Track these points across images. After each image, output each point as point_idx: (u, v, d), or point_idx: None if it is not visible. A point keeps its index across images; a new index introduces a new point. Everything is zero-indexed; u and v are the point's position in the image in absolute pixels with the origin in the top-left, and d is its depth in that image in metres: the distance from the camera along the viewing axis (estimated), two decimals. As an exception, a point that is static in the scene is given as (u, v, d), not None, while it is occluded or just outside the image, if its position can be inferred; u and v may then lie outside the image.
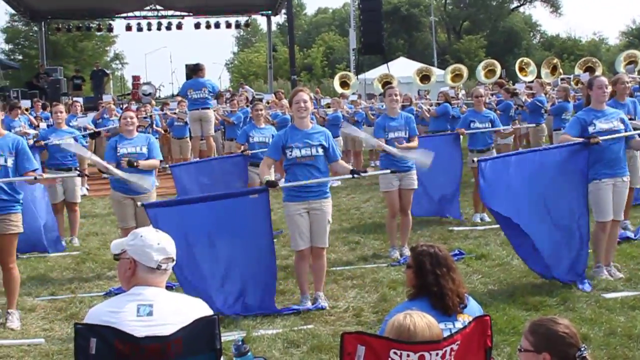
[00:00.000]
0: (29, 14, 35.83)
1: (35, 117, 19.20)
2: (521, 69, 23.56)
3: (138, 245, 3.55)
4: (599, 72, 19.80)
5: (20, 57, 50.98)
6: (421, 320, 3.38)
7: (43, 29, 36.39)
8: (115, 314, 3.34)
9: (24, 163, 7.23)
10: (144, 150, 8.99)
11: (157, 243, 3.54)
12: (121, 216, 9.15)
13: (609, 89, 8.28)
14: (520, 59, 25.45)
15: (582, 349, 3.27)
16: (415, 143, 9.59)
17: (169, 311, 3.38)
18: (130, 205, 8.98)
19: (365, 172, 7.93)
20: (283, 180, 7.89)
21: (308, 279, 7.70)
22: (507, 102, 16.40)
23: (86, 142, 15.63)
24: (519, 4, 68.82)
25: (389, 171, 8.32)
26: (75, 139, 11.09)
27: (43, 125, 17.91)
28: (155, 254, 3.52)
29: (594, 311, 6.89)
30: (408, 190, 9.52)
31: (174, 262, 3.62)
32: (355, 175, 7.64)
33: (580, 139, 7.78)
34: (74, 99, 21.95)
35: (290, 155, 7.40)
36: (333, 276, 8.50)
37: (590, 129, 7.87)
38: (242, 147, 11.23)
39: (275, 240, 10.54)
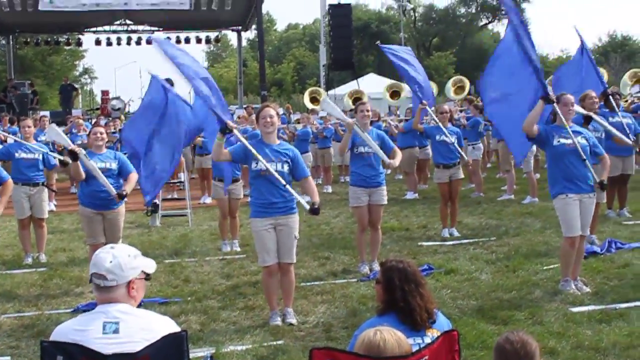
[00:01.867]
0: (-4, 28, 35.55)
1: (2, 131, 18.98)
2: (490, 86, 23.75)
3: None
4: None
5: (-13, 71, 50.55)
6: (391, 337, 3.39)
7: (11, 42, 36.12)
8: (81, 332, 3.31)
9: None
10: (113, 165, 8.92)
11: (95, 256, 3.53)
12: (90, 232, 9.06)
13: (575, 107, 8.41)
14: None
15: None
16: (399, 155, 9.64)
17: (136, 328, 3.35)
18: (99, 221, 8.91)
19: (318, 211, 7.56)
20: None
21: (278, 294, 7.69)
22: (476, 118, 16.59)
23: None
24: (487, 22, 69.52)
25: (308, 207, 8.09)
26: (44, 156, 10.93)
27: (10, 140, 17.73)
28: (91, 267, 3.52)
29: (561, 325, 6.95)
30: (377, 205, 9.54)
31: (110, 281, 3.47)
32: (313, 214, 7.47)
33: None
34: (41, 113, 21.75)
35: (255, 167, 7.38)
36: (303, 292, 8.48)
37: (554, 142, 8.00)
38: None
39: (244, 255, 10.58)
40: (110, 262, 3.46)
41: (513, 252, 10.10)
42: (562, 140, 8.00)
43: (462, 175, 11.93)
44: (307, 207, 7.30)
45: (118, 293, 3.47)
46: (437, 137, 11.72)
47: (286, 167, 7.41)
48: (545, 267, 9.12)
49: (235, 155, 7.50)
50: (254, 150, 7.28)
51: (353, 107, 18.84)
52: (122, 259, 3.48)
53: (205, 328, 7.38)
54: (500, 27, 71.12)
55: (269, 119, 7.48)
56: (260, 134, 7.83)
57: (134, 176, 8.95)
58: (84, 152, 8.72)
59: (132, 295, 3.51)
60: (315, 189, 7.69)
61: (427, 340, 3.96)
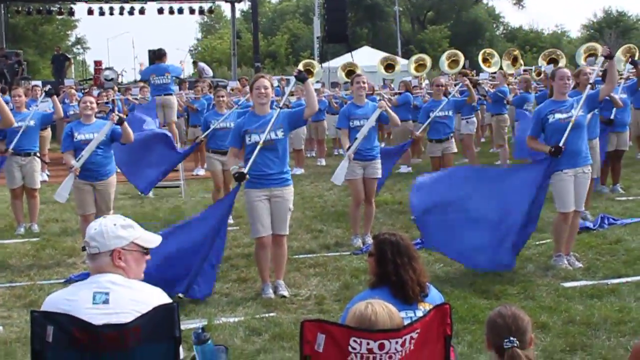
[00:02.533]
0: (-13, -4, 35.21)
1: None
2: (485, 60, 23.68)
3: None
4: (562, 64, 20.02)
5: (-21, 40, 50.15)
6: (382, 310, 3.39)
7: (2, 11, 35.75)
8: (71, 302, 3.30)
9: None
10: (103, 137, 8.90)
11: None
12: (80, 203, 9.06)
13: (571, 80, 8.38)
14: (484, 49, 25.57)
15: (509, 340, 3.29)
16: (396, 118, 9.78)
17: (126, 299, 3.33)
18: (89, 191, 8.91)
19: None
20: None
21: (270, 267, 7.69)
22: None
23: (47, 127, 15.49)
24: (483, -4, 69.24)
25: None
26: (38, 117, 10.97)
27: None
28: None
29: (553, 300, 6.99)
30: (372, 179, 9.53)
31: (92, 249, 3.49)
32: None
33: (546, 148, 7.92)
34: (34, 83, 21.60)
35: (249, 141, 7.37)
36: (295, 264, 8.50)
37: (550, 119, 7.99)
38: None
39: (237, 227, 10.57)
40: (95, 229, 3.48)
41: (506, 227, 10.09)
42: (558, 116, 7.99)
43: (454, 149, 11.95)
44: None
45: (102, 261, 3.46)
46: (431, 114, 11.72)
47: (281, 133, 7.40)
48: (537, 242, 9.13)
49: (237, 143, 7.58)
50: None
51: (347, 79, 18.84)
52: (107, 227, 3.48)
53: (198, 300, 7.38)
54: (495, 2, 71.04)
55: (263, 90, 7.45)
56: (253, 104, 7.79)
57: (130, 132, 9.02)
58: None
59: (117, 265, 3.46)
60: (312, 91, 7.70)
61: (419, 313, 3.97)
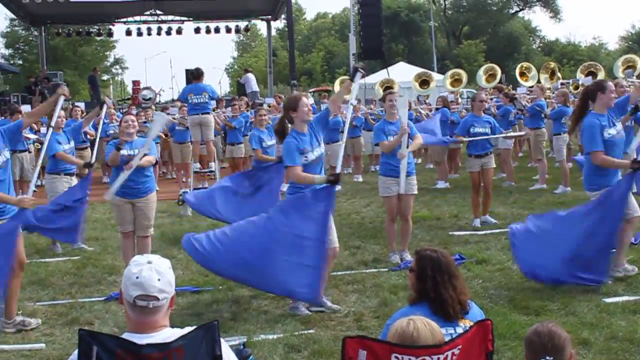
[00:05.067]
0: (29, 19, 35.88)
1: (35, 122, 19.18)
2: (522, 74, 23.56)
3: (124, 274, 3.31)
4: (600, 76, 19.83)
5: (20, 62, 50.98)
6: (424, 327, 3.38)
7: (43, 33, 36.43)
8: None
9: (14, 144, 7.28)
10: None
11: (136, 276, 3.21)
12: (119, 220, 9.15)
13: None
14: (521, 63, 25.43)
15: (544, 359, 3.26)
16: (419, 140, 9.66)
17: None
18: (129, 209, 8.96)
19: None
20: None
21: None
22: (506, 107, 16.47)
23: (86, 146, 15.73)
24: (518, 9, 68.91)
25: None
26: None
27: (43, 129, 17.91)
28: (131, 288, 3.21)
29: (594, 316, 6.89)
30: (407, 195, 9.50)
31: (161, 302, 3.24)
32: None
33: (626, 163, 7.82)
34: (75, 103, 21.89)
35: (306, 160, 7.45)
36: (333, 281, 8.49)
37: (605, 135, 7.87)
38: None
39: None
40: (159, 280, 3.23)
41: (545, 242, 10.00)
42: (611, 132, 7.90)
43: (493, 165, 11.87)
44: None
45: (162, 312, 3.29)
46: (471, 129, 11.65)
47: (323, 145, 7.62)
48: (578, 257, 9.02)
49: (300, 161, 7.49)
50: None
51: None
52: (168, 274, 3.29)
53: (237, 317, 7.41)
54: (531, 15, 70.58)
55: (309, 108, 7.60)
56: (296, 123, 7.80)
57: (151, 158, 9.00)
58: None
59: (169, 310, 3.36)
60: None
61: (460, 330, 3.94)
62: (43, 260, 10.31)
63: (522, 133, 14.13)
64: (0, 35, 51.51)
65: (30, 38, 48.20)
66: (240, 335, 6.82)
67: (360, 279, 8.67)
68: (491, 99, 19.05)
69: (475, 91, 22.52)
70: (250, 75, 30.20)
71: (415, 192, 9.64)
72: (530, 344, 3.33)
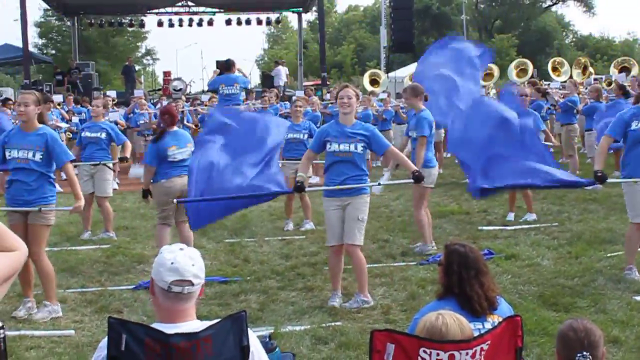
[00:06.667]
0: (62, 9, 36.14)
1: (67, 111, 19.39)
2: (554, 69, 23.37)
3: (156, 262, 3.33)
4: (634, 72, 19.60)
5: (53, 52, 51.36)
6: (453, 322, 3.35)
7: (76, 24, 36.69)
8: None
9: (55, 160, 7.34)
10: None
11: (171, 262, 3.22)
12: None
13: None
14: (554, 58, 25.22)
15: (582, 355, 3.22)
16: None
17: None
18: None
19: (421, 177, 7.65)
20: (317, 179, 8.00)
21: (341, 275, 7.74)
22: (538, 101, 16.31)
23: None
24: (551, 3, 68.19)
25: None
26: (109, 133, 11.18)
27: (75, 119, 18.12)
28: (166, 274, 3.22)
29: (625, 313, 6.82)
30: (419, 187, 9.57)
31: (195, 287, 3.25)
32: (415, 180, 7.54)
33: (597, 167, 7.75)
34: (107, 93, 22.09)
35: (329, 148, 7.43)
36: (361, 274, 8.49)
37: (633, 126, 7.78)
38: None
39: (304, 237, 10.64)
40: (193, 265, 3.25)
41: (575, 239, 9.93)
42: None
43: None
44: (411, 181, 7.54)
45: (194, 299, 3.31)
46: None
47: (360, 147, 7.43)
48: (608, 255, 8.95)
49: (316, 147, 7.69)
50: None
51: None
52: (199, 260, 3.31)
53: (264, 308, 7.44)
54: (564, 9, 69.89)
55: (346, 100, 7.48)
56: (339, 114, 7.80)
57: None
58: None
59: (197, 299, 3.37)
60: (403, 156, 7.85)
61: (488, 325, 3.91)
62: (73, 248, 10.40)
63: (550, 143, 13.92)
64: (33, 25, 51.93)
65: (63, 28, 48.47)
66: (268, 326, 6.84)
67: (388, 272, 8.66)
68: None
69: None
70: (281, 68, 30.26)
71: (430, 185, 9.76)
72: (564, 339, 3.29)
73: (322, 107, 19.13)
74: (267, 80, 31.25)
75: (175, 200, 7.81)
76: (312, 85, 33.16)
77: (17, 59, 32.78)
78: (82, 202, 7.42)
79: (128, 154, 11.33)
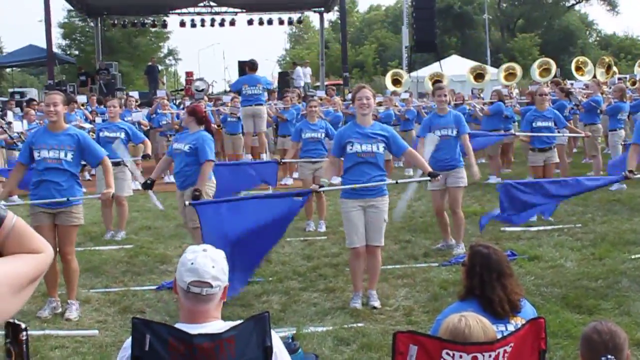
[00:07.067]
0: (85, 10, 36.40)
1: (90, 112, 19.53)
2: (578, 68, 23.20)
3: (179, 261, 3.35)
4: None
5: (77, 52, 51.68)
6: (476, 324, 3.35)
7: (99, 25, 36.94)
8: None
9: (91, 157, 7.46)
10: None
11: (191, 262, 3.24)
12: (181, 210, 9.23)
13: None
14: (577, 57, 25.03)
15: (607, 358, 3.19)
16: (467, 144, 9.64)
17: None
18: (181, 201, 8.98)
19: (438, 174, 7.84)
20: (339, 180, 8.00)
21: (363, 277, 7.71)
22: (561, 101, 16.19)
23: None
24: (575, 2, 67.69)
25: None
26: (128, 133, 11.26)
27: (99, 119, 18.23)
28: (185, 274, 3.24)
29: (649, 316, 6.77)
30: (454, 188, 9.54)
31: (215, 289, 3.25)
32: (430, 177, 7.70)
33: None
34: (129, 93, 22.23)
35: (351, 150, 7.40)
36: (383, 275, 8.46)
37: None
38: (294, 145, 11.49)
39: (325, 237, 10.62)
40: (213, 267, 3.25)
41: (599, 240, 9.86)
42: None
43: (557, 159, 11.81)
44: (428, 178, 7.66)
45: (215, 301, 3.31)
46: (534, 124, 11.58)
47: (381, 148, 7.44)
48: (633, 256, 8.89)
49: (337, 152, 7.64)
50: None
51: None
52: (222, 262, 3.31)
53: (286, 309, 7.45)
54: (588, 8, 69.34)
55: (365, 101, 7.48)
56: (356, 115, 7.80)
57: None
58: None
59: (221, 301, 3.38)
60: (420, 157, 7.88)
61: (511, 328, 3.90)
62: (97, 248, 10.48)
63: (582, 134, 13.87)
64: (57, 26, 52.28)
65: (87, 29, 48.75)
66: (290, 326, 6.85)
67: (411, 273, 8.64)
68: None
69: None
70: (300, 69, 30.31)
71: (462, 184, 9.64)
72: (589, 342, 3.27)
73: (344, 107, 19.11)
74: (283, 79, 31.32)
75: (187, 203, 7.81)
76: (333, 85, 33.17)
77: (41, 59, 33.08)
78: (112, 190, 7.58)
79: (149, 151, 11.40)
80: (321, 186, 7.63)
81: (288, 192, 7.64)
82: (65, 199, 7.28)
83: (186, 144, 8.79)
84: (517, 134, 11.72)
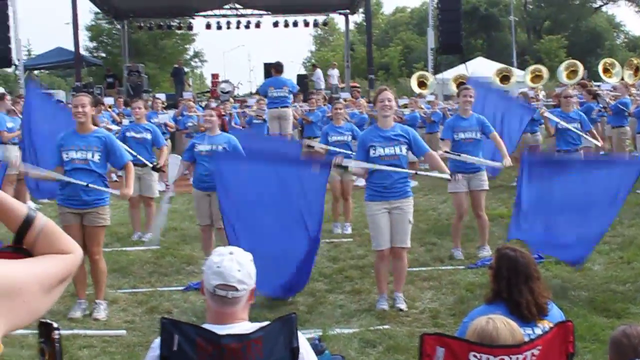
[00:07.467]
0: (112, 13, 36.65)
1: (117, 114, 19.66)
2: (605, 70, 22.97)
3: (206, 265, 3.35)
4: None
5: (104, 55, 52.08)
6: (504, 326, 3.34)
7: (126, 27, 37.18)
8: None
9: (115, 159, 7.53)
10: (220, 149, 9.05)
11: (217, 266, 3.24)
12: (198, 213, 9.31)
13: None
14: (605, 59, 24.80)
15: None
16: (498, 139, 9.67)
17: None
18: (206, 202, 9.03)
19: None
20: (363, 182, 8.02)
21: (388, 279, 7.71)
22: (589, 104, 16.08)
23: (166, 138, 15.97)
24: (602, 4, 67.16)
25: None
26: (152, 135, 11.34)
27: (125, 121, 18.35)
28: (211, 277, 3.24)
29: (679, 320, 6.71)
30: (478, 191, 9.50)
31: (240, 292, 3.24)
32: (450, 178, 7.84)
33: None
34: (156, 95, 22.35)
35: (374, 154, 7.40)
36: (409, 277, 8.45)
37: None
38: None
39: (351, 239, 10.62)
40: (239, 270, 3.24)
41: (627, 244, 9.78)
42: None
43: (583, 161, 11.73)
44: (447, 177, 7.79)
45: (241, 303, 3.31)
46: (559, 125, 11.53)
47: (404, 150, 7.44)
48: (661, 260, 8.81)
49: (362, 156, 7.61)
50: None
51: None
52: (249, 266, 3.30)
53: (313, 310, 7.47)
54: (615, 9, 68.71)
55: (387, 102, 7.49)
56: (377, 117, 7.83)
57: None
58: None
59: (248, 303, 3.38)
60: (440, 160, 7.90)
61: (538, 331, 3.89)
62: (124, 249, 10.56)
63: (599, 143, 13.74)
64: (84, 29, 52.69)
65: (114, 31, 49.11)
66: (316, 328, 6.86)
67: (437, 275, 8.63)
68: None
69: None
70: (319, 71, 30.36)
71: (485, 187, 9.61)
72: (617, 345, 3.26)
73: (369, 109, 19.09)
74: (301, 81, 31.38)
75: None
76: (358, 87, 33.14)
77: (68, 62, 33.38)
78: (130, 191, 7.72)
79: (162, 161, 11.34)
80: (345, 167, 7.66)
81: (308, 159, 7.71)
82: (85, 183, 7.35)
83: (217, 145, 8.90)
84: (542, 111, 11.75)
